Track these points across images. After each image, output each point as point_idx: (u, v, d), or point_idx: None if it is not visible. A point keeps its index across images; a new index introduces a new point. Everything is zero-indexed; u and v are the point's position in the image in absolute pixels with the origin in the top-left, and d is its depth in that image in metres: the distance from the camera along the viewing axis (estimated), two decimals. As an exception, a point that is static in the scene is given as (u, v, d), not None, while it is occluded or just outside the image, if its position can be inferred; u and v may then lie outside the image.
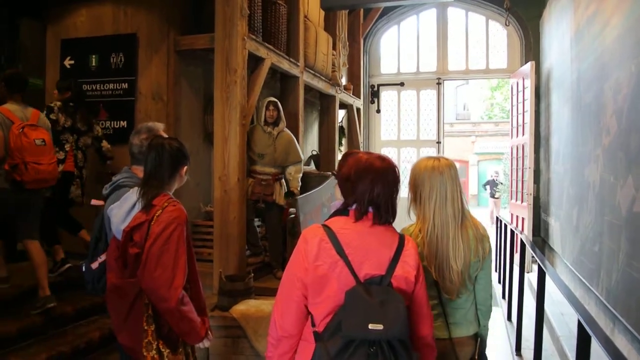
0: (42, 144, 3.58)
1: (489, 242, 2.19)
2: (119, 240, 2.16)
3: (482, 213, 17.55)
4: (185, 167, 2.36)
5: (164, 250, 2.04)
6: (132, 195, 2.23)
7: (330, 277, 1.65)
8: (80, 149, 4.25)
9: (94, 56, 4.70)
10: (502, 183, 16.48)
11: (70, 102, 4.13)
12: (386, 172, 1.75)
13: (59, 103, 4.10)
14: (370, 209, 1.74)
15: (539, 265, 3.31)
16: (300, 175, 4.78)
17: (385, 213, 1.74)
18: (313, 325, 1.67)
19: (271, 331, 1.75)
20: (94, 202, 2.60)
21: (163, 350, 2.08)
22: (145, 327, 2.07)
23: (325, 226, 1.74)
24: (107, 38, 4.65)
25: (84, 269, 2.48)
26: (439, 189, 2.05)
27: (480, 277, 2.15)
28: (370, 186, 1.72)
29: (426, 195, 2.07)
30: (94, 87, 4.69)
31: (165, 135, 2.85)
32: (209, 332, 2.27)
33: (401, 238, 1.76)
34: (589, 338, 2.23)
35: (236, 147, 4.18)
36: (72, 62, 4.78)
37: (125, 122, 4.59)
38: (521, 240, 4.48)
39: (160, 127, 2.70)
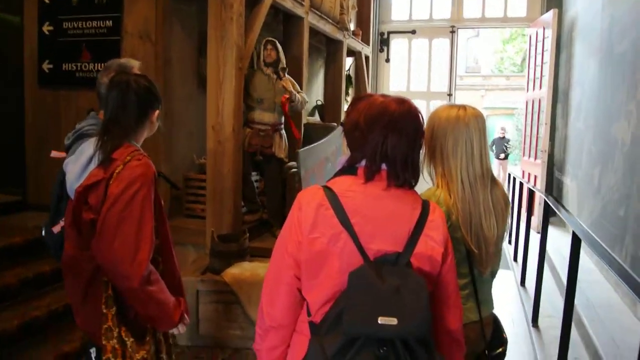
0: None
1: (510, 204, 1.85)
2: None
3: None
4: (157, 112, 1.92)
5: (124, 217, 1.63)
6: (89, 147, 1.83)
7: (331, 254, 1.27)
8: None
9: (75, -11, 4.22)
10: (509, 141, 14.42)
11: None
12: (405, 118, 1.34)
13: None
14: (384, 167, 1.34)
15: (573, 232, 2.93)
16: (301, 97, 4.35)
17: (402, 172, 1.33)
18: (309, 314, 1.32)
19: (259, 320, 1.40)
20: (54, 153, 2.21)
21: (126, 338, 1.70)
22: (104, 310, 1.69)
23: (326, 188, 1.34)
24: (90, -31, 4.16)
25: (43, 232, 2.12)
26: (464, 144, 1.68)
27: None
28: (382, 136, 1.32)
29: (449, 151, 1.69)
30: (75, 25, 4.23)
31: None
32: (185, 315, 1.87)
33: (425, 205, 1.37)
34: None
35: (232, 93, 3.77)
36: (52, -4, 4.31)
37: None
38: (545, 200, 4.09)
39: (135, 64, 2.29)
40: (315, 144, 4.24)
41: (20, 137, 4.50)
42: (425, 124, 1.69)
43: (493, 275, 1.85)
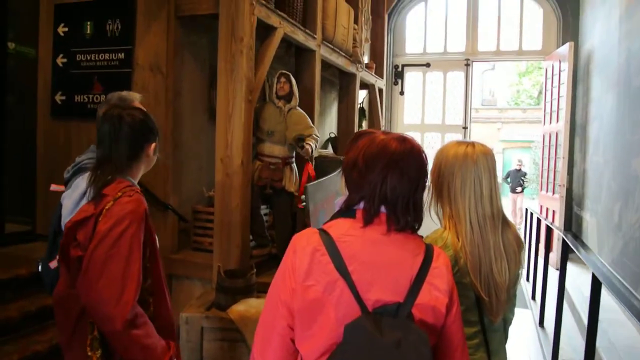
0: None
1: (524, 247, 1.74)
2: None
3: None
4: (153, 145, 1.86)
5: (111, 255, 1.56)
6: (83, 181, 1.78)
7: (326, 303, 1.18)
8: None
9: (89, 23, 4.24)
10: (526, 175, 13.78)
11: None
12: (406, 157, 1.25)
13: None
14: (383, 209, 1.26)
15: (592, 274, 2.79)
16: (315, 144, 4.26)
17: (404, 215, 1.25)
18: (303, 367, 1.22)
19: None
20: (53, 187, 2.16)
21: None
22: (89, 353, 1.60)
23: (322, 231, 1.26)
24: (103, 2, 4.18)
25: (40, 268, 2.06)
26: (473, 183, 1.59)
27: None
28: (381, 176, 1.23)
29: (457, 191, 1.60)
30: (88, 57, 4.25)
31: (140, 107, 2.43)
32: None
33: (428, 250, 1.27)
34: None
35: (241, 126, 3.72)
36: (66, 29, 4.34)
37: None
38: (563, 239, 3.95)
39: (135, 97, 2.26)
40: (324, 178, 4.16)
41: (32, 167, 4.51)
42: (432, 161, 1.62)
43: (506, 323, 1.73)
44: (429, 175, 1.33)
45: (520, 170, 13.58)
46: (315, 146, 4.25)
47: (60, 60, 4.38)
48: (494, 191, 1.61)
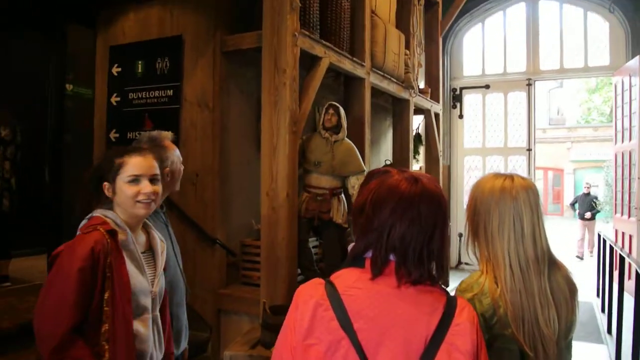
0: None
1: (577, 292, 1.52)
2: None
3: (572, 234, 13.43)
4: (106, 184, 1.81)
5: (48, 285, 1.66)
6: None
7: None
8: (8, 159, 4.24)
9: (139, 62, 4.37)
10: (596, 198, 12.02)
11: None
12: (417, 200, 1.11)
13: None
14: (392, 258, 1.12)
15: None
16: (358, 185, 4.14)
17: (417, 267, 1.10)
18: None
19: None
20: None
21: None
22: None
23: (328, 283, 1.14)
24: (153, 42, 4.30)
25: None
26: (512, 221, 1.41)
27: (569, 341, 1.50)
28: (389, 222, 1.10)
29: (494, 230, 1.43)
30: (139, 95, 4.36)
31: (172, 147, 2.41)
32: None
33: (449, 305, 1.11)
34: None
35: (285, 158, 3.66)
36: (120, 69, 4.49)
37: (170, 132, 4.20)
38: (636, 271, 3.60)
39: (167, 136, 2.25)
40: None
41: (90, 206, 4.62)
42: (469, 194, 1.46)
43: None
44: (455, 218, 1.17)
45: (589, 194, 11.92)
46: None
47: (114, 99, 4.52)
48: (538, 230, 1.42)
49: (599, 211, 11.98)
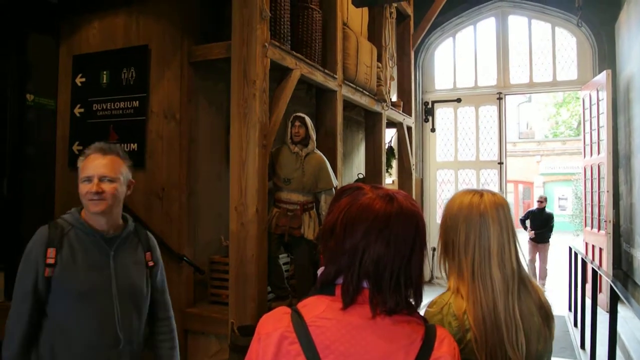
0: None
1: (554, 319, 1.44)
2: None
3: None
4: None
5: None
6: None
7: None
8: None
9: (104, 72, 4.20)
10: (551, 216, 9.18)
11: None
12: (394, 221, 1.01)
13: None
14: (365, 285, 1.02)
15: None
16: (329, 201, 4.04)
17: (393, 294, 1.00)
18: None
19: None
20: None
21: None
22: None
23: (294, 312, 1.03)
24: (118, 51, 4.15)
25: None
26: (478, 239, 1.34)
27: None
28: (362, 243, 1.00)
29: (460, 246, 1.36)
30: (104, 107, 4.19)
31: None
32: None
33: (428, 336, 1.00)
34: None
35: (255, 172, 3.55)
36: (84, 79, 4.32)
37: (135, 144, 4.04)
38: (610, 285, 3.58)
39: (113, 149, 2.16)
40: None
41: (51, 218, 4.42)
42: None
43: None
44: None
45: (543, 209, 9.24)
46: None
47: (77, 111, 4.34)
48: (508, 248, 1.35)
49: (550, 232, 9.19)
